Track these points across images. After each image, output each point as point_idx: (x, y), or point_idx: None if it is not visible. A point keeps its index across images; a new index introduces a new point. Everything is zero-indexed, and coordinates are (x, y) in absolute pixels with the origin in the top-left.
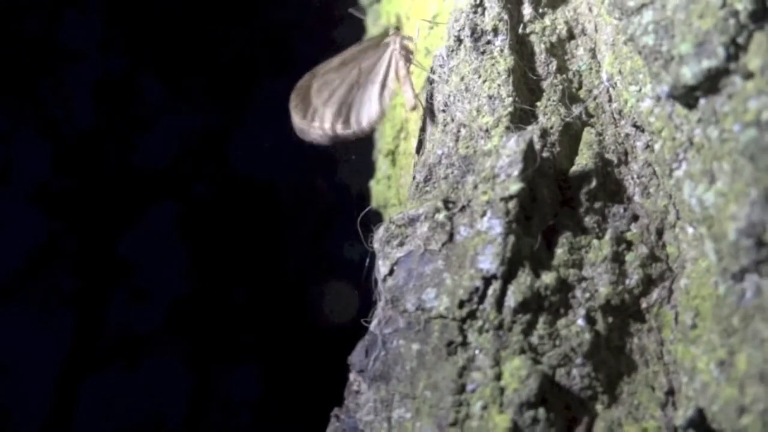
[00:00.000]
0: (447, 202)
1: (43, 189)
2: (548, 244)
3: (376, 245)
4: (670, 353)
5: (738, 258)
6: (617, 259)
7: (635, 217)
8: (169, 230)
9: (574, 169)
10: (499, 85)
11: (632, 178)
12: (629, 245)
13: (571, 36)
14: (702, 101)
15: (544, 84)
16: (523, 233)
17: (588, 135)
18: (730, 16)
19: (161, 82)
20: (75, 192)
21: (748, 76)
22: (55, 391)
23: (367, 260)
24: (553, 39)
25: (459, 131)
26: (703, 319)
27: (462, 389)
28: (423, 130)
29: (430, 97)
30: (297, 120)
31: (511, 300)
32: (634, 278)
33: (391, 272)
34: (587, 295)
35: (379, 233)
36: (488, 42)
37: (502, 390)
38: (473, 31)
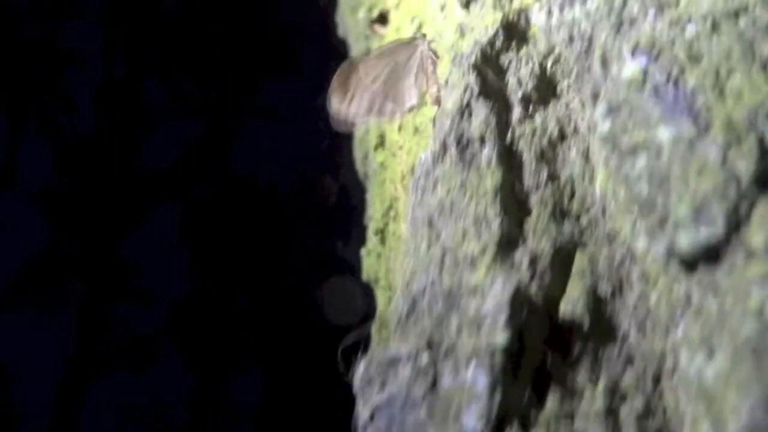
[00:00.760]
0: (430, 344)
1: (45, 192)
2: (538, 391)
3: (356, 384)
4: None
5: None
6: (611, 412)
7: (630, 360)
8: (171, 232)
9: (564, 307)
10: (486, 205)
11: (627, 313)
12: (623, 397)
13: (562, 136)
14: (702, 265)
15: (533, 199)
16: (510, 385)
17: (580, 260)
18: (732, 178)
19: (163, 84)
20: (78, 195)
21: (751, 254)
22: (59, 393)
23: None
24: (544, 142)
25: (444, 258)
26: None
27: None
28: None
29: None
30: (335, 102)
31: None
32: None
33: (371, 418)
34: None
35: (360, 372)
36: (474, 154)
37: None
38: (459, 140)
